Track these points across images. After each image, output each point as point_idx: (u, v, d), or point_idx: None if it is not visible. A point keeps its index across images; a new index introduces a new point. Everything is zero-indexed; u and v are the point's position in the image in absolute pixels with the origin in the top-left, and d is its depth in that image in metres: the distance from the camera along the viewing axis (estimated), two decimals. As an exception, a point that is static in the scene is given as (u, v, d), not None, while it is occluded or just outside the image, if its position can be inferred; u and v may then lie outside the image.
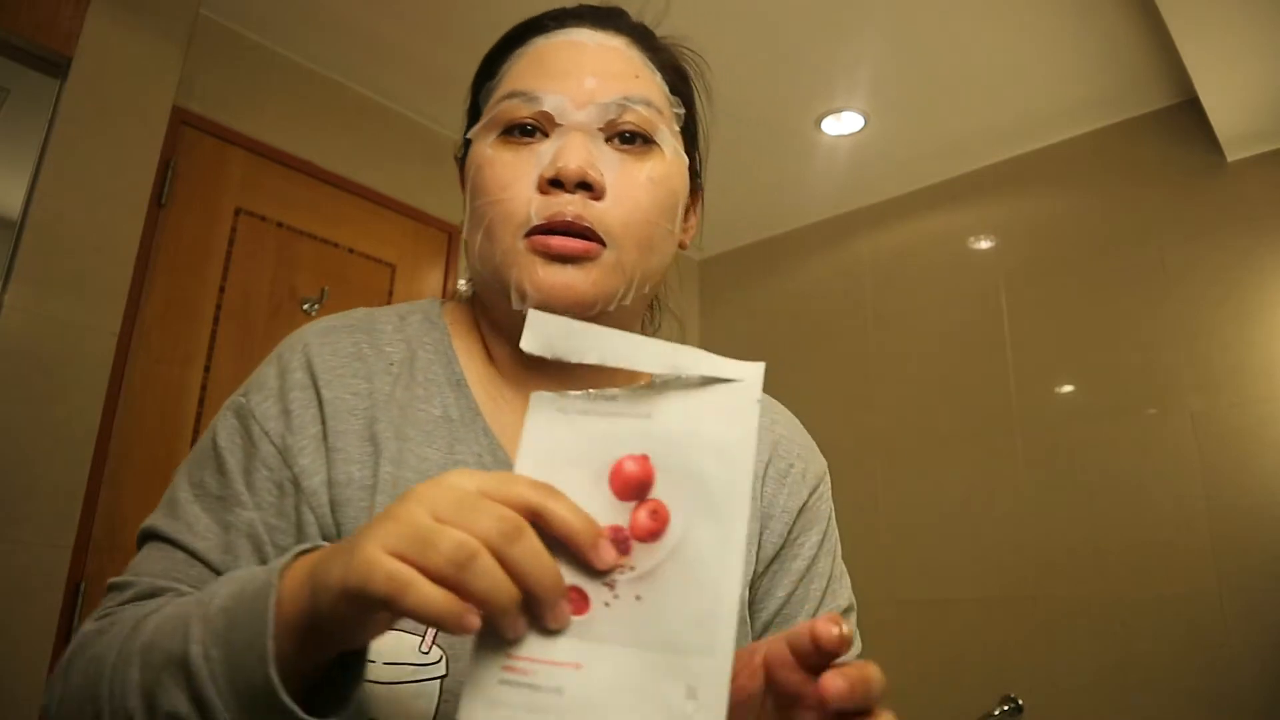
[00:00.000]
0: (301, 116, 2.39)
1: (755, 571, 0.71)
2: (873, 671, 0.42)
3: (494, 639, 0.41)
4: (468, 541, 0.39)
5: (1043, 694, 2.32)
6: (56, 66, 1.82)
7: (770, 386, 0.47)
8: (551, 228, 0.63)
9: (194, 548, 0.60)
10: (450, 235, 2.66)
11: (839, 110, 2.58)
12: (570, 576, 0.42)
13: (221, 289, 2.17)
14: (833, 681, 0.41)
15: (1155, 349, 2.35)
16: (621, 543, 0.42)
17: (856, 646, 0.64)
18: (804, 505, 0.73)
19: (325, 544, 0.47)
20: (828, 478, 0.78)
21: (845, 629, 0.42)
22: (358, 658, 0.47)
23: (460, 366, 0.70)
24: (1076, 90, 2.45)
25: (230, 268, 2.19)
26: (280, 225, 2.30)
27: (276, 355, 0.68)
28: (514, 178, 0.65)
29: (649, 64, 0.71)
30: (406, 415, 0.65)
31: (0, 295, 1.68)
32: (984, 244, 2.76)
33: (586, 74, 0.67)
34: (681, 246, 0.74)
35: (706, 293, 3.48)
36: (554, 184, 0.63)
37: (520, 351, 0.66)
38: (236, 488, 0.62)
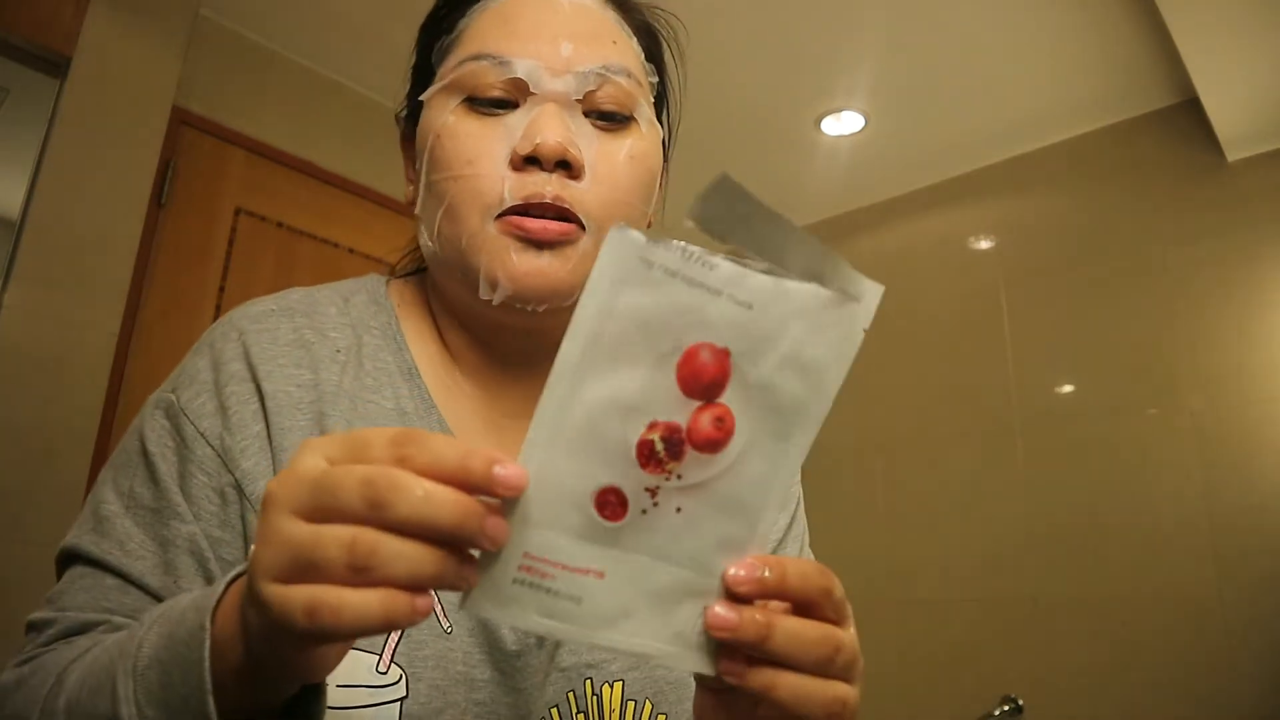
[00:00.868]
0: (301, 116, 2.39)
1: None
2: (788, 563, 0.38)
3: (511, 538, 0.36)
4: (357, 538, 0.33)
5: (1043, 694, 2.32)
6: (56, 66, 1.82)
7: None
8: (528, 209, 0.57)
9: (127, 570, 0.53)
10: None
11: (839, 110, 2.57)
12: (609, 476, 0.36)
13: (221, 289, 2.17)
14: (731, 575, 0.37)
15: (1155, 349, 2.35)
16: (675, 445, 0.37)
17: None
18: None
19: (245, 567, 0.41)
20: None
21: (761, 572, 0.37)
22: (315, 691, 0.42)
23: (411, 354, 0.63)
24: (1076, 90, 2.45)
25: (230, 268, 2.19)
26: (280, 225, 2.30)
27: (207, 344, 0.60)
28: (481, 151, 0.58)
29: (624, 26, 0.65)
30: (357, 408, 0.59)
31: (0, 295, 1.68)
32: (984, 244, 2.76)
33: (561, 36, 0.60)
34: (648, 225, 0.67)
35: (706, 293, 3.48)
36: (529, 161, 0.57)
37: (478, 338, 0.64)
38: (172, 498, 0.54)
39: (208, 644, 0.38)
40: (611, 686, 0.59)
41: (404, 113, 0.69)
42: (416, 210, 0.65)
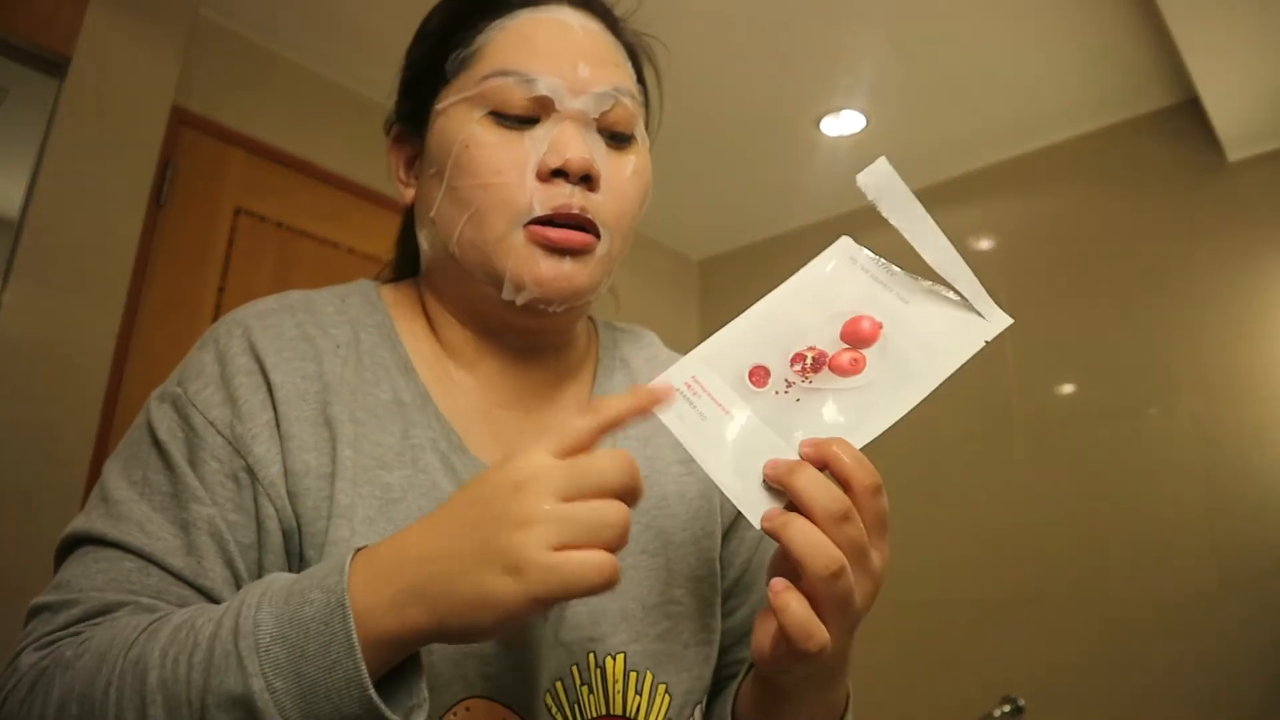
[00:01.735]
0: (301, 116, 2.39)
1: (723, 530, 0.72)
2: (850, 449, 0.50)
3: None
4: (613, 508, 0.45)
5: (1043, 694, 2.32)
6: (56, 66, 1.81)
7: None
8: (553, 219, 0.62)
9: (148, 551, 0.54)
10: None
11: (839, 110, 2.58)
12: (767, 359, 0.54)
13: (221, 289, 2.17)
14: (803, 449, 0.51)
15: (1155, 349, 2.35)
16: (819, 362, 0.54)
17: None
18: None
19: (356, 551, 0.47)
20: None
21: (828, 447, 0.50)
22: (414, 661, 0.48)
23: (406, 350, 0.67)
24: (1076, 90, 2.45)
25: (230, 268, 2.19)
26: (280, 225, 2.30)
27: (212, 340, 0.63)
28: (509, 162, 0.62)
29: (621, 50, 0.70)
30: (358, 399, 0.62)
31: (0, 295, 1.68)
32: (984, 244, 2.76)
33: (579, 59, 0.64)
34: None
35: (707, 293, 3.48)
36: (556, 174, 0.62)
37: (480, 335, 0.69)
38: (189, 482, 0.56)
39: (351, 620, 0.44)
40: (614, 659, 0.63)
41: (393, 118, 0.73)
42: (430, 214, 0.67)
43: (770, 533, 0.48)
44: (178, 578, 0.54)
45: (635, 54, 0.73)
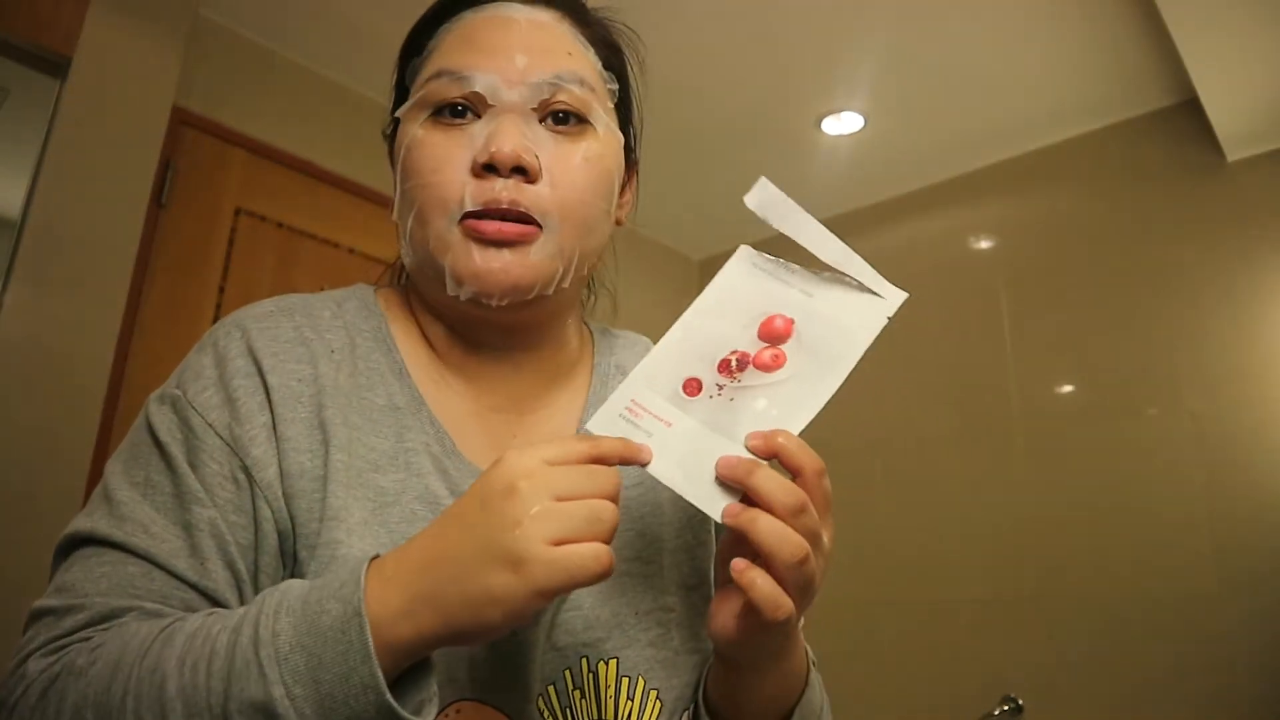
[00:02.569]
0: (301, 116, 2.39)
1: (716, 539, 0.73)
2: (794, 440, 0.54)
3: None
4: (606, 505, 0.49)
5: (1043, 694, 2.32)
6: (56, 66, 1.82)
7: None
8: (486, 213, 0.62)
9: (154, 553, 0.54)
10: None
11: (839, 110, 2.57)
12: (697, 371, 0.58)
13: (221, 289, 2.17)
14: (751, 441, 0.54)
15: (1155, 349, 2.35)
16: (741, 359, 0.58)
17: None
18: None
19: (368, 560, 0.49)
20: None
21: (774, 439, 0.54)
22: (425, 665, 0.50)
23: (400, 354, 0.68)
24: (1077, 90, 2.45)
25: (230, 268, 2.19)
26: (280, 225, 2.30)
27: (210, 343, 0.63)
28: (445, 160, 0.63)
29: (580, 39, 0.70)
30: (352, 403, 0.63)
31: (0, 295, 1.68)
32: (984, 244, 2.76)
33: (516, 51, 0.65)
34: (618, 223, 0.73)
35: (706, 293, 3.48)
36: (488, 168, 0.62)
37: (459, 334, 0.70)
38: (190, 484, 0.57)
39: (368, 627, 0.46)
40: (606, 664, 0.63)
41: (388, 129, 0.74)
42: (393, 216, 0.69)
43: (736, 526, 0.51)
44: (182, 581, 0.55)
45: (610, 44, 0.73)
